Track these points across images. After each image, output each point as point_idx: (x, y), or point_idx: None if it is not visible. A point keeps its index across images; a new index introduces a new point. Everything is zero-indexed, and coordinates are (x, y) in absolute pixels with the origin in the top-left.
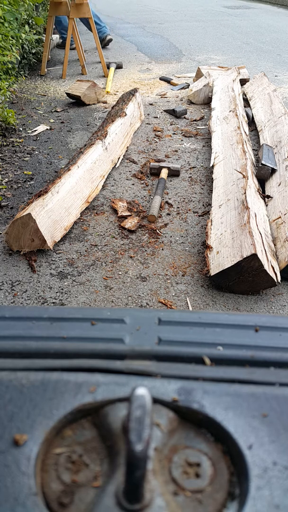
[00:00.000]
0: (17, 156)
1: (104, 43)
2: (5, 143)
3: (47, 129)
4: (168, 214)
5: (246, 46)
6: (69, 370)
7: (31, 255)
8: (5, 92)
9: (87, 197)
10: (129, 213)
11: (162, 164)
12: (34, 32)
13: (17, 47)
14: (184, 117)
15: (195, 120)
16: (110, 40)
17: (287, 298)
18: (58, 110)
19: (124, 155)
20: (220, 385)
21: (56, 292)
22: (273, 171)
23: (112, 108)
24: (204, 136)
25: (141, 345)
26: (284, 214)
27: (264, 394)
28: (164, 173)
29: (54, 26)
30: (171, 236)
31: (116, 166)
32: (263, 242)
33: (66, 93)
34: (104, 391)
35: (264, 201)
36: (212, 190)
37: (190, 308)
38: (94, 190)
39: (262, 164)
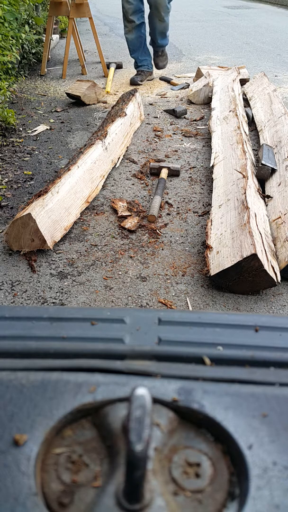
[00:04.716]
0: (17, 156)
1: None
2: (5, 143)
3: (47, 129)
4: (168, 214)
5: (246, 46)
6: (69, 370)
7: (31, 255)
8: (5, 92)
9: (87, 197)
10: (129, 213)
11: (162, 164)
12: (34, 32)
13: (17, 47)
14: (184, 117)
15: (195, 120)
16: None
17: (287, 298)
18: (58, 110)
19: (124, 155)
20: (220, 385)
21: (56, 292)
22: (273, 171)
23: (112, 108)
24: (204, 136)
25: (141, 345)
26: (284, 214)
27: (264, 394)
28: (164, 173)
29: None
30: (171, 236)
31: (116, 166)
32: (263, 242)
33: (66, 93)
34: (104, 391)
35: (264, 201)
36: (212, 190)
37: (190, 308)
38: (94, 190)
39: (262, 164)
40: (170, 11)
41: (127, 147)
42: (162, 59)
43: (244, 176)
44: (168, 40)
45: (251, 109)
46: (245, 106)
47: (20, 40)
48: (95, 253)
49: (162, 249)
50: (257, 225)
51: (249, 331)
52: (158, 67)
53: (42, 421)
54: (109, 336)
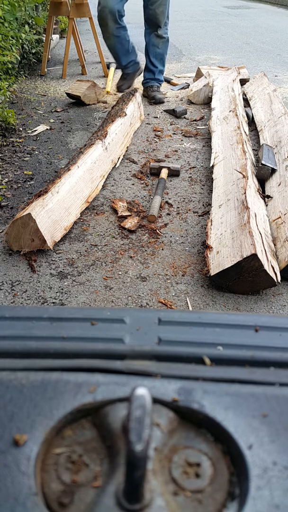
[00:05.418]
0: (17, 156)
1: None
2: (5, 143)
3: (47, 129)
4: (168, 214)
5: (246, 46)
6: (69, 370)
7: (31, 255)
8: (5, 92)
9: (87, 197)
10: (129, 213)
11: (162, 164)
12: (34, 32)
13: (17, 47)
14: (184, 117)
15: (195, 120)
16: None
17: (287, 298)
18: (58, 110)
19: (124, 155)
20: (220, 385)
21: (56, 292)
22: (273, 171)
23: (112, 108)
24: (204, 136)
25: (141, 345)
26: (284, 214)
27: (264, 394)
28: (164, 173)
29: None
30: (171, 236)
31: (116, 166)
32: (263, 242)
33: (66, 93)
34: (104, 391)
35: (264, 201)
36: (212, 190)
37: (190, 308)
38: (94, 190)
39: (262, 164)
40: (167, 27)
41: (127, 147)
42: (157, 91)
43: (244, 176)
44: (162, 77)
45: (251, 109)
46: (245, 106)
47: (20, 40)
48: (95, 253)
49: (162, 249)
50: (257, 225)
51: (249, 331)
52: (155, 99)
53: (42, 421)
54: (109, 336)
